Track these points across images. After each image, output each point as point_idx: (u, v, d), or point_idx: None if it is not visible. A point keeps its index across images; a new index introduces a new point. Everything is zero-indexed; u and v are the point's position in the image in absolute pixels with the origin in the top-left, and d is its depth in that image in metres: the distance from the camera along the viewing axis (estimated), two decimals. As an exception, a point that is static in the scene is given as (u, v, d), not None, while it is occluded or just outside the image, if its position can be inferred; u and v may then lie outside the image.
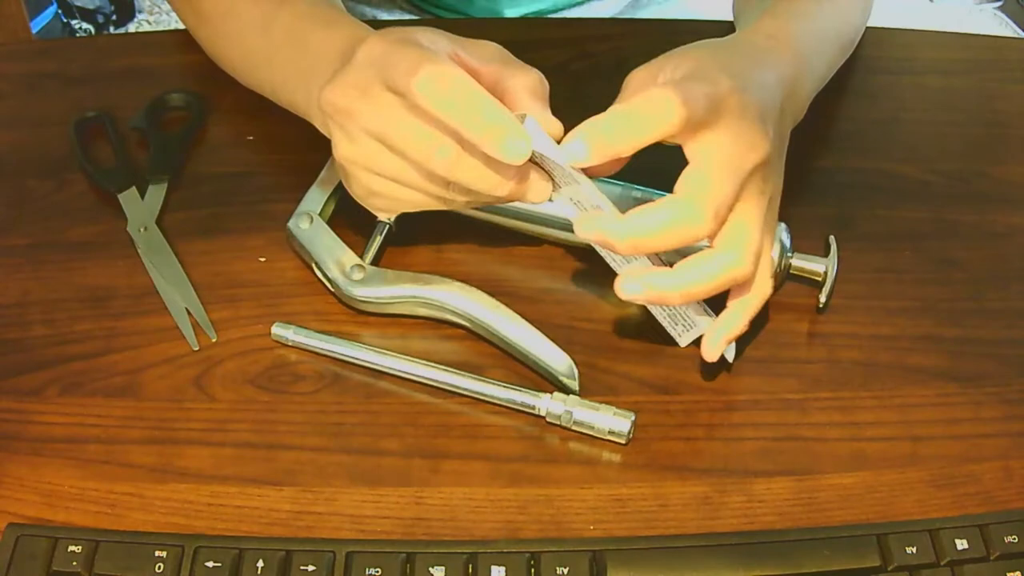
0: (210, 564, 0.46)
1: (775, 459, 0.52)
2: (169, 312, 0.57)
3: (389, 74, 0.47)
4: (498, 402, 0.53)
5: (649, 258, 0.51)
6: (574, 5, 0.87)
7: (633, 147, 0.47)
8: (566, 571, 0.46)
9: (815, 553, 0.47)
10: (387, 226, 0.60)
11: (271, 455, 0.52)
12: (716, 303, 0.53)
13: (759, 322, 0.56)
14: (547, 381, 0.55)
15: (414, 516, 0.50)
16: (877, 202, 0.65)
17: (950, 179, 0.67)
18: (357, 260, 0.57)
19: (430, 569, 0.46)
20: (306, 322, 0.56)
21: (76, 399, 0.54)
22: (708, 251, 0.50)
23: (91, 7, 2.02)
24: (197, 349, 0.56)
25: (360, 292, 0.56)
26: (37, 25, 1.92)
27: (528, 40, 0.67)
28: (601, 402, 0.52)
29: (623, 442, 0.52)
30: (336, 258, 0.57)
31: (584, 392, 0.53)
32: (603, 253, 0.53)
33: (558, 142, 0.48)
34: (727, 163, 0.48)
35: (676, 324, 0.54)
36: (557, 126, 0.49)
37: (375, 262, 0.58)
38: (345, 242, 0.58)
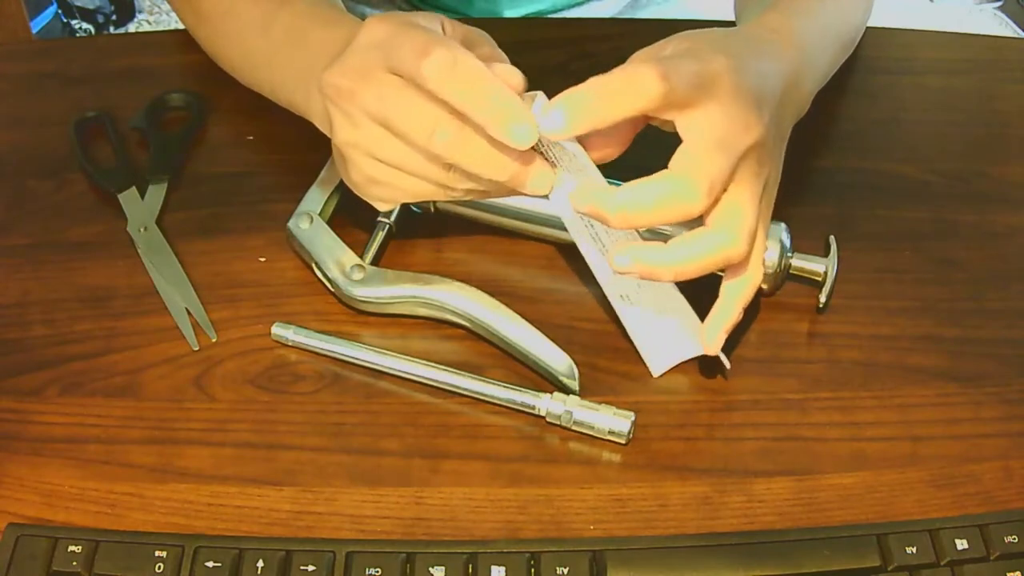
0: (210, 564, 0.46)
1: (775, 459, 0.52)
2: (169, 312, 0.57)
3: (395, 55, 0.47)
4: (498, 402, 0.53)
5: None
6: (574, 5, 0.87)
7: (612, 118, 0.47)
8: (566, 571, 0.46)
9: (815, 553, 0.47)
10: (387, 226, 0.60)
11: (271, 455, 0.52)
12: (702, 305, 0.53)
13: (759, 322, 0.56)
14: (547, 381, 0.55)
15: (414, 516, 0.50)
16: (877, 202, 0.65)
17: (950, 179, 0.67)
18: (357, 260, 0.57)
19: (430, 569, 0.46)
20: (306, 322, 0.56)
21: (76, 399, 0.54)
22: (702, 229, 0.49)
23: (91, 7, 2.02)
24: (197, 349, 0.56)
25: (360, 292, 0.56)
26: (37, 25, 1.92)
27: (528, 40, 0.67)
28: (601, 402, 0.52)
29: (623, 442, 0.52)
30: (336, 258, 0.57)
31: (584, 392, 0.53)
32: (587, 254, 0.53)
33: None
34: (720, 141, 0.48)
35: (650, 347, 0.55)
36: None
37: (375, 262, 0.58)
38: (345, 242, 0.58)
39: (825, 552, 0.47)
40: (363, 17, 0.52)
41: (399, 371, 0.55)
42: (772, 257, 0.55)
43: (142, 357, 0.56)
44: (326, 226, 0.59)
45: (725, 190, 0.48)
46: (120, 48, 0.78)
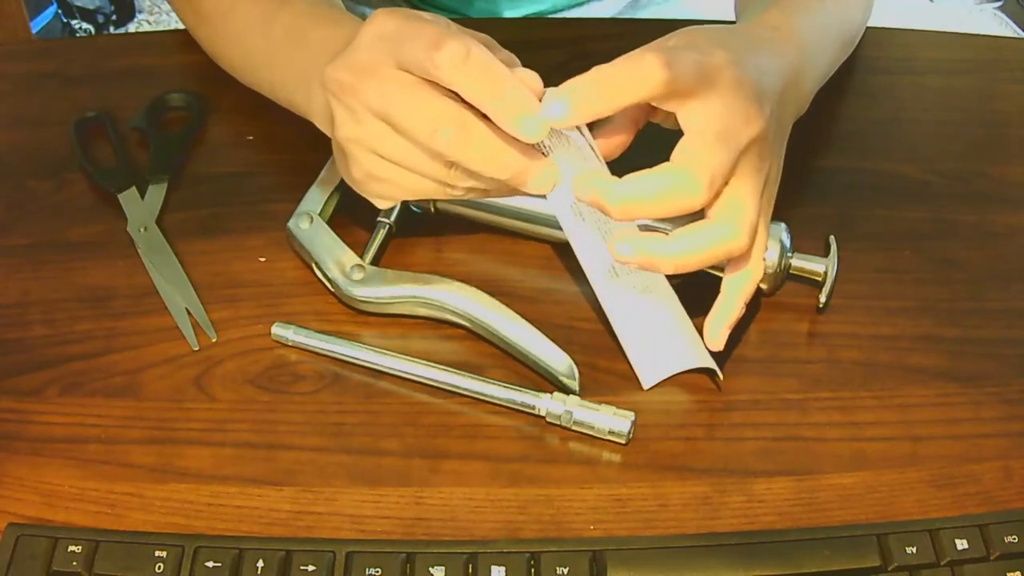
0: (210, 564, 0.46)
1: (775, 459, 0.52)
2: (169, 312, 0.57)
3: (406, 48, 0.47)
4: (498, 402, 0.53)
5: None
6: (574, 6, 0.87)
7: (615, 105, 0.47)
8: (566, 571, 0.46)
9: (815, 553, 0.47)
10: (387, 226, 0.60)
11: (271, 455, 0.52)
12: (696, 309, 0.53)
13: (759, 322, 0.56)
14: (547, 381, 0.54)
15: (414, 516, 0.50)
16: (877, 202, 0.65)
17: (950, 179, 0.67)
18: (357, 260, 0.57)
19: (430, 569, 0.46)
20: (306, 322, 0.56)
21: (76, 399, 0.54)
22: (703, 222, 0.49)
23: (91, 7, 2.02)
24: (197, 349, 0.56)
25: (360, 292, 0.56)
26: (37, 25, 1.92)
27: (528, 40, 0.67)
28: (601, 402, 0.52)
29: (623, 442, 0.52)
30: (336, 258, 0.57)
31: (584, 392, 0.53)
32: (583, 258, 0.53)
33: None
34: (721, 133, 0.48)
35: (642, 358, 0.54)
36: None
37: (375, 262, 0.58)
38: (345, 242, 0.58)
39: (825, 552, 0.47)
40: (363, 17, 0.52)
41: (399, 371, 0.55)
42: (772, 257, 0.55)
43: (142, 357, 0.56)
44: (326, 226, 0.59)
45: (726, 183, 0.48)
46: (120, 48, 0.78)
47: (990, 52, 0.78)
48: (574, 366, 0.53)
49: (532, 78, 0.48)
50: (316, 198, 0.60)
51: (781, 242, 0.56)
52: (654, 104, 0.48)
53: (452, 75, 0.46)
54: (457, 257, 0.61)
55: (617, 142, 0.52)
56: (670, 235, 0.49)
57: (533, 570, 0.46)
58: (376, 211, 0.58)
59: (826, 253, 0.57)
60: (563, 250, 0.60)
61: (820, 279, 0.57)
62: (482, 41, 0.50)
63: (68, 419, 0.53)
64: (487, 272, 0.60)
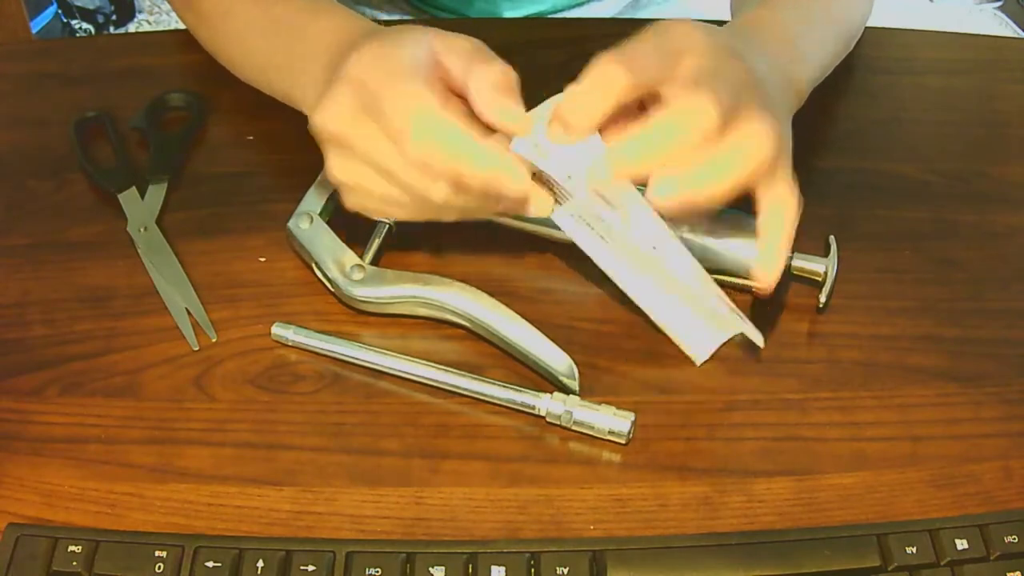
0: (210, 564, 0.46)
1: (775, 459, 0.52)
2: (169, 312, 0.57)
3: (377, 118, 0.48)
4: (498, 402, 0.53)
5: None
6: (574, 6, 0.87)
7: (593, 121, 0.47)
8: (566, 571, 0.46)
9: (815, 553, 0.47)
10: (387, 226, 0.60)
11: (271, 455, 0.52)
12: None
13: (759, 322, 0.56)
14: (547, 381, 0.54)
15: (414, 516, 0.50)
16: (877, 202, 0.65)
17: (950, 179, 0.67)
18: (357, 260, 0.57)
19: (430, 569, 0.46)
20: (306, 322, 0.56)
21: (76, 399, 0.54)
22: (721, 150, 0.48)
23: (91, 7, 2.02)
24: (197, 349, 0.56)
25: (360, 292, 0.56)
26: (37, 25, 1.92)
27: (528, 40, 0.67)
28: (601, 402, 0.52)
29: (623, 442, 0.52)
30: (336, 258, 0.57)
31: (584, 392, 0.53)
32: (601, 262, 0.53)
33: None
34: (713, 72, 0.48)
35: (688, 334, 0.54)
36: (525, 123, 0.48)
37: (375, 262, 0.58)
38: (345, 242, 0.58)
39: (825, 552, 0.47)
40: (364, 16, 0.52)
41: (399, 371, 0.55)
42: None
43: (142, 357, 0.56)
44: (326, 226, 0.59)
45: (735, 116, 0.47)
46: (120, 48, 0.78)
47: (990, 52, 0.78)
48: (574, 366, 0.53)
49: (503, 77, 0.48)
50: (316, 198, 0.60)
51: (781, 242, 0.56)
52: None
53: (425, 159, 0.48)
54: (457, 257, 0.61)
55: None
56: (701, 164, 0.47)
57: (533, 570, 0.46)
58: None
59: (826, 253, 0.57)
60: (563, 250, 0.60)
61: (820, 279, 0.57)
62: (472, 50, 0.50)
63: (68, 419, 0.53)
64: (487, 272, 0.60)
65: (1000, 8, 2.25)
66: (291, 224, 0.59)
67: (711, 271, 0.53)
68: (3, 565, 0.46)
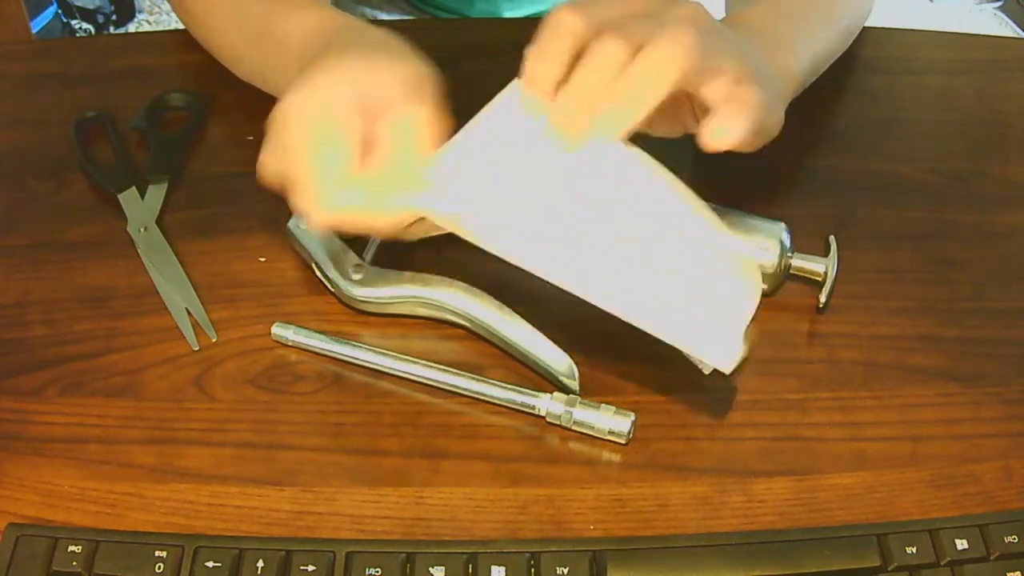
0: (210, 564, 0.46)
1: (775, 459, 0.52)
2: (169, 312, 0.57)
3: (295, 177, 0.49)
4: (498, 402, 0.53)
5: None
6: (574, 6, 0.87)
7: (557, 69, 0.48)
8: (566, 571, 0.46)
9: (815, 553, 0.47)
10: (387, 226, 0.60)
11: (271, 455, 0.52)
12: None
13: (759, 322, 0.56)
14: (547, 381, 0.54)
15: (414, 516, 0.50)
16: (877, 202, 0.65)
17: (950, 179, 0.67)
18: (357, 260, 0.57)
19: (430, 569, 0.46)
20: (306, 322, 0.56)
21: (76, 399, 0.54)
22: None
23: (91, 7, 2.03)
24: (197, 349, 0.56)
25: (360, 292, 0.56)
26: (37, 25, 1.92)
27: (528, 40, 0.67)
28: (601, 402, 0.52)
29: (623, 442, 0.52)
30: (336, 258, 0.57)
31: (584, 392, 0.53)
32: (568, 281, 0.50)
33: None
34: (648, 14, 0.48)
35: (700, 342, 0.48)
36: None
37: (375, 262, 0.58)
38: (345, 242, 0.58)
39: (825, 552, 0.47)
40: (363, 17, 0.52)
41: (399, 371, 0.55)
42: (772, 257, 0.55)
43: (142, 357, 0.56)
44: (326, 226, 0.59)
45: (655, 35, 0.47)
46: (120, 48, 0.78)
47: (990, 52, 0.78)
48: (574, 366, 0.53)
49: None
50: (316, 198, 0.60)
51: (781, 242, 0.56)
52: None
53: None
54: (457, 257, 0.60)
55: None
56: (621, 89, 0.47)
57: (533, 570, 0.46)
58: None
59: (826, 253, 0.57)
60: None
61: (820, 279, 0.57)
62: (392, 89, 0.50)
63: (68, 419, 0.53)
64: (487, 272, 0.59)
65: (1000, 8, 2.25)
66: (291, 224, 0.59)
67: None
68: (3, 565, 0.46)
